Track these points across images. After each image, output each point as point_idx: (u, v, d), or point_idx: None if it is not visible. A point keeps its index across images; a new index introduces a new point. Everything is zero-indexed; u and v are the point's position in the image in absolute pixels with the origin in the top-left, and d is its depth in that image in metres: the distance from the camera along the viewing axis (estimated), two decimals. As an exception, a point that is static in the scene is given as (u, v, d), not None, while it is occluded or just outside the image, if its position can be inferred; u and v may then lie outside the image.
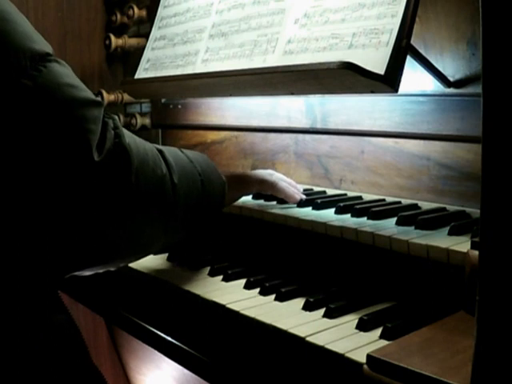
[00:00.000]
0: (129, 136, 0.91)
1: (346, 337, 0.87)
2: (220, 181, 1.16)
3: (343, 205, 1.18)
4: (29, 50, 0.80)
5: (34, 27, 0.86)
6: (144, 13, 1.88)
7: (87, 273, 0.96)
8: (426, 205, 1.20)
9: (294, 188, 1.31)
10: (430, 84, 1.20)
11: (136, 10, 1.87)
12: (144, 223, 0.94)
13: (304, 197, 1.29)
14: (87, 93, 0.86)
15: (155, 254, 1.29)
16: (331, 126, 1.41)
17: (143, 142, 0.96)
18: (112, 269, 1.01)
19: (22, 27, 0.81)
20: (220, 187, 1.15)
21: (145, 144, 0.95)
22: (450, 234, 1.00)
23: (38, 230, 0.83)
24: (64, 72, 0.84)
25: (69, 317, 0.97)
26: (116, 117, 0.91)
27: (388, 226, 1.06)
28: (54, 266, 0.89)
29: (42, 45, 0.84)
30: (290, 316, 0.96)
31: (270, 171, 1.34)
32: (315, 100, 1.44)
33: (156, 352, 1.15)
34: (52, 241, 0.85)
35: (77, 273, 0.95)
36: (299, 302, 1.02)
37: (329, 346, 0.84)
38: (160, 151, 0.99)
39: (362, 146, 1.34)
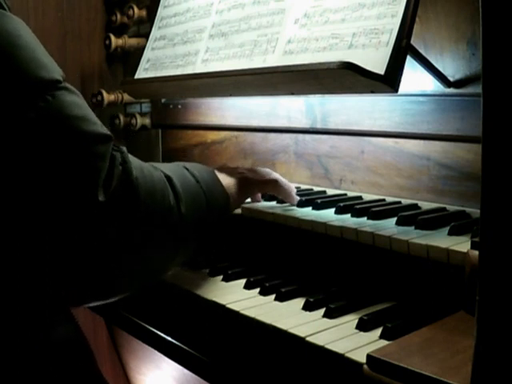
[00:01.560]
0: (137, 168, 0.87)
1: (345, 337, 0.87)
2: (224, 196, 1.15)
3: (343, 205, 1.18)
4: (35, 79, 0.75)
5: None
6: (144, 13, 1.88)
7: (96, 303, 0.95)
8: (426, 205, 1.20)
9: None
10: (430, 84, 1.20)
11: (136, 9, 1.87)
12: (154, 253, 0.92)
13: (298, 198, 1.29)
14: (96, 126, 0.82)
15: None
16: (331, 125, 1.41)
17: (151, 170, 0.92)
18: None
19: (31, 53, 0.77)
20: (224, 201, 1.15)
21: (152, 175, 0.92)
22: (450, 233, 1.00)
23: (44, 263, 0.81)
24: (73, 102, 0.79)
25: (76, 326, 0.96)
26: (124, 149, 0.87)
27: (388, 226, 1.06)
28: (60, 298, 0.89)
29: (51, 71, 0.79)
30: (290, 316, 0.96)
31: (267, 170, 1.33)
32: (315, 100, 1.44)
33: (156, 352, 1.15)
34: (56, 274, 0.83)
35: (90, 304, 0.96)
36: (299, 301, 1.02)
37: (329, 346, 0.84)
38: (168, 179, 0.96)
39: (362, 146, 1.34)
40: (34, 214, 0.77)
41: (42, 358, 0.87)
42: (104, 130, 0.83)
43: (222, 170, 1.22)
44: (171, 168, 1.02)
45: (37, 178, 0.76)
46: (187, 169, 1.06)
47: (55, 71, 0.80)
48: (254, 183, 1.26)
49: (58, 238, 0.79)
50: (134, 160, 0.88)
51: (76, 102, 0.80)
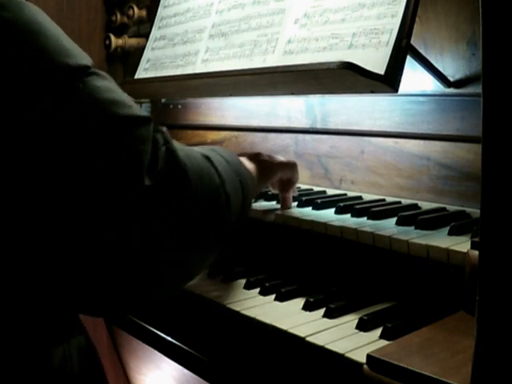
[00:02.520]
0: (180, 149, 0.80)
1: (345, 337, 0.87)
2: (250, 177, 1.05)
3: (343, 205, 1.18)
4: (62, 67, 0.70)
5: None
6: (144, 13, 1.88)
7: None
8: (426, 205, 1.20)
9: None
10: (430, 84, 1.20)
11: (136, 9, 1.87)
12: (198, 243, 0.84)
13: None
14: (133, 109, 0.76)
15: None
16: (331, 125, 1.41)
17: (191, 150, 0.86)
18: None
19: (55, 41, 0.72)
20: (251, 183, 1.05)
21: (194, 154, 0.85)
22: (450, 233, 1.00)
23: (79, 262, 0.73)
24: (105, 86, 0.74)
25: (87, 337, 0.93)
26: (164, 128, 0.80)
27: (388, 226, 1.06)
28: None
29: (79, 58, 0.74)
30: (290, 316, 0.96)
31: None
32: (315, 100, 1.44)
33: (156, 352, 1.15)
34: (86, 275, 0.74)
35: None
36: (299, 301, 1.02)
37: (329, 346, 0.84)
38: (207, 158, 0.88)
39: (362, 146, 1.34)
40: (74, 208, 0.69)
41: (53, 368, 0.84)
42: (141, 112, 0.78)
43: (242, 154, 1.15)
44: (206, 150, 0.95)
45: (75, 170, 0.69)
46: (214, 150, 0.99)
47: (83, 57, 0.75)
48: (275, 166, 1.21)
49: (100, 236, 0.71)
50: (175, 142, 0.81)
51: (108, 86, 0.74)
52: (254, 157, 1.18)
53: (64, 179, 0.69)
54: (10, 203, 0.69)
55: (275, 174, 1.21)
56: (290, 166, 1.24)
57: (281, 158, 1.26)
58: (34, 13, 0.72)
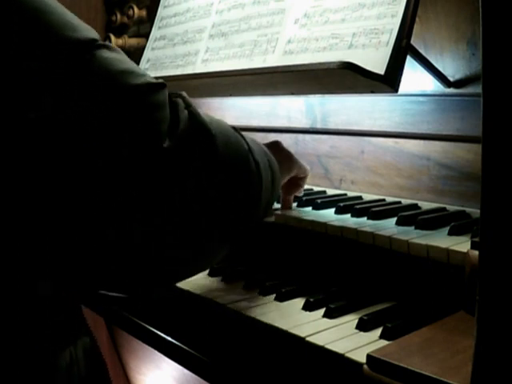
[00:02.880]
0: (204, 114, 0.77)
1: (346, 337, 0.87)
2: (275, 162, 0.98)
3: (343, 205, 1.18)
4: (70, 41, 0.68)
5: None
6: (144, 13, 1.88)
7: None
8: (426, 205, 1.20)
9: None
10: (430, 84, 1.20)
11: (136, 9, 1.87)
12: (232, 206, 0.78)
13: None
14: (145, 77, 0.72)
15: None
16: (331, 125, 1.41)
17: (216, 118, 0.82)
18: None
19: (61, 16, 0.71)
20: (278, 172, 0.99)
21: (220, 121, 0.81)
22: (450, 233, 1.00)
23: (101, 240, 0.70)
24: (114, 57, 0.72)
25: (92, 338, 0.92)
26: (184, 93, 0.78)
27: (388, 226, 1.06)
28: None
29: (86, 31, 0.72)
30: (290, 316, 0.96)
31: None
32: (315, 100, 1.44)
33: (156, 352, 1.14)
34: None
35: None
36: (299, 302, 1.02)
37: (329, 346, 0.84)
38: (234, 129, 0.84)
39: (362, 146, 1.34)
40: (102, 180, 0.66)
41: (61, 375, 0.83)
42: (154, 79, 0.74)
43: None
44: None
45: (88, 142, 0.66)
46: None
47: (90, 31, 0.74)
48: (294, 159, 1.15)
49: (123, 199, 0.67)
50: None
51: (118, 57, 0.72)
52: (274, 145, 1.10)
53: (78, 153, 0.66)
54: (12, 189, 0.66)
55: (294, 168, 1.16)
56: (305, 168, 1.20)
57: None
58: None
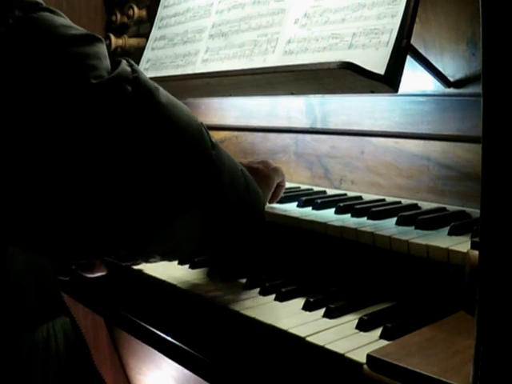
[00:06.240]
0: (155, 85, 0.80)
1: (346, 337, 0.87)
2: (258, 189, 1.01)
3: (343, 205, 1.18)
4: (14, 2, 0.72)
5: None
6: (144, 13, 1.88)
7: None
8: (425, 205, 1.20)
9: None
10: (430, 84, 1.20)
11: (136, 9, 1.87)
12: (179, 179, 0.79)
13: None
14: (83, 30, 0.78)
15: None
16: (331, 126, 1.41)
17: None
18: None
19: None
20: (258, 189, 1.01)
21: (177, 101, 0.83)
22: (450, 234, 1.00)
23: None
24: (58, 17, 0.77)
25: (72, 319, 0.96)
26: (138, 67, 0.81)
27: (388, 226, 1.06)
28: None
29: None
30: (290, 316, 0.96)
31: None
32: (315, 100, 1.44)
33: (156, 352, 1.15)
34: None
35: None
36: (299, 302, 1.02)
37: (329, 346, 0.84)
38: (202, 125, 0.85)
39: (362, 146, 1.34)
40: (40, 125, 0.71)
41: (37, 347, 0.86)
42: (92, 33, 0.80)
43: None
44: None
45: (30, 92, 0.71)
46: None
47: None
48: (273, 175, 1.17)
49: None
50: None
51: (61, 19, 0.77)
52: (253, 170, 1.09)
53: (25, 96, 0.70)
54: None
55: (274, 181, 1.18)
56: (280, 170, 1.21)
57: (270, 161, 1.24)
58: None
